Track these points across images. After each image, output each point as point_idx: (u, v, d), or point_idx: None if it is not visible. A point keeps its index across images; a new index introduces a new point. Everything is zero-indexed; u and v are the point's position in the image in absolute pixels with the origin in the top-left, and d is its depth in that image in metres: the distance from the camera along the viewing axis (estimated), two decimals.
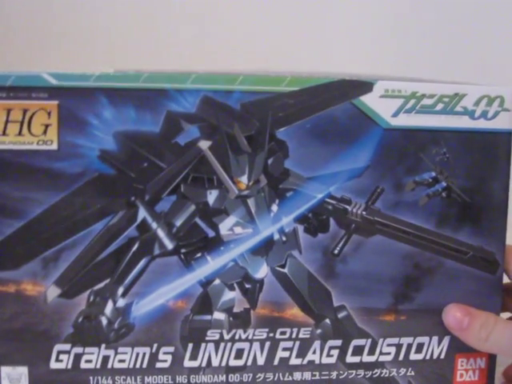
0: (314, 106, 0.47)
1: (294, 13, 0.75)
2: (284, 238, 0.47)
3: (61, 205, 0.45)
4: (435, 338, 0.50)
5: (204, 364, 0.48)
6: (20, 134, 0.44)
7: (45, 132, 0.44)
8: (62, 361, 0.46)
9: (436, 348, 0.50)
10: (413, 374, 0.50)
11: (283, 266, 0.48)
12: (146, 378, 0.47)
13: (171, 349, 0.47)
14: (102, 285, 0.46)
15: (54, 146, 0.45)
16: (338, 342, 0.49)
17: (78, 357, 0.47)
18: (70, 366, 0.47)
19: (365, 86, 0.47)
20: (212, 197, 0.47)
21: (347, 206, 0.48)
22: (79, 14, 0.73)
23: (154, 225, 0.46)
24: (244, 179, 0.46)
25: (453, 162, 0.49)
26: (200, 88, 0.45)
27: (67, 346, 0.46)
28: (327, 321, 0.49)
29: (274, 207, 0.48)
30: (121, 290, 0.46)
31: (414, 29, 0.77)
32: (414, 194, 0.49)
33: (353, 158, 0.47)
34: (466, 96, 0.48)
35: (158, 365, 0.47)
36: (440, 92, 0.48)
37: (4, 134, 0.44)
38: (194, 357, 0.48)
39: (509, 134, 0.49)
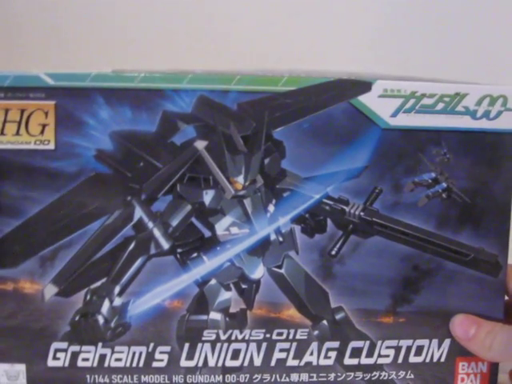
0: (311, 105, 0.46)
1: (293, 11, 0.75)
2: (281, 239, 0.47)
3: (58, 204, 0.45)
4: (435, 341, 0.49)
5: (200, 364, 0.48)
6: (18, 133, 0.45)
7: (42, 132, 0.45)
8: (59, 359, 0.47)
9: (436, 351, 0.49)
10: (412, 376, 0.50)
11: (280, 267, 0.48)
12: (142, 377, 0.48)
13: (167, 348, 0.48)
14: (98, 284, 0.47)
15: (51, 146, 0.45)
16: (336, 344, 0.49)
17: (75, 355, 0.47)
18: (67, 364, 0.47)
19: (363, 86, 0.47)
20: (208, 197, 0.47)
21: (345, 207, 0.48)
22: (78, 14, 0.74)
23: (150, 224, 0.46)
24: (240, 179, 0.46)
25: (454, 163, 0.48)
26: (196, 88, 0.45)
27: (64, 344, 0.47)
28: (324, 322, 0.49)
29: (271, 207, 0.47)
30: (117, 289, 0.46)
31: (415, 27, 0.76)
32: (413, 194, 0.48)
33: (351, 158, 0.47)
34: (467, 95, 0.47)
35: (155, 364, 0.48)
36: (440, 91, 0.47)
37: (2, 133, 0.44)
38: (190, 357, 0.48)
39: None
